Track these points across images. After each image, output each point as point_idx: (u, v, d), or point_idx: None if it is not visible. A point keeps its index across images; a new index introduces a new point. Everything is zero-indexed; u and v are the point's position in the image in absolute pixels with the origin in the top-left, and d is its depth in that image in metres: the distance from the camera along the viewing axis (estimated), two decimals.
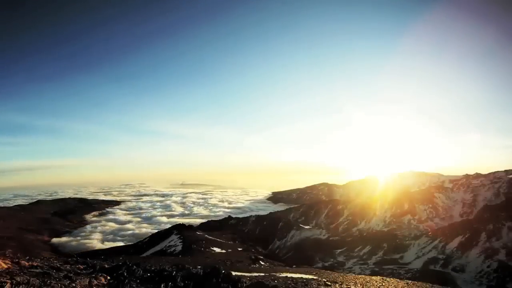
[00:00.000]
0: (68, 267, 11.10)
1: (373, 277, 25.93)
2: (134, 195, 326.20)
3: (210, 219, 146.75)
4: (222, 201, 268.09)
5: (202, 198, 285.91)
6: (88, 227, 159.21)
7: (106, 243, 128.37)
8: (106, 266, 12.47)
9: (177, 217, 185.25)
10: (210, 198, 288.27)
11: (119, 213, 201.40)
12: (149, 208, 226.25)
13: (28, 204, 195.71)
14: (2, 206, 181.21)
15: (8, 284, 6.39)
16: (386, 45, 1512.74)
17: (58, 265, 11.13)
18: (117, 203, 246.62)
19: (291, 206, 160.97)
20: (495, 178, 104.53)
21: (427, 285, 23.30)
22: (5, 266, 8.55)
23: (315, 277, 22.22)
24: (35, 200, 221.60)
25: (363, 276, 29.42)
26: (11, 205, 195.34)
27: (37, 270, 8.89)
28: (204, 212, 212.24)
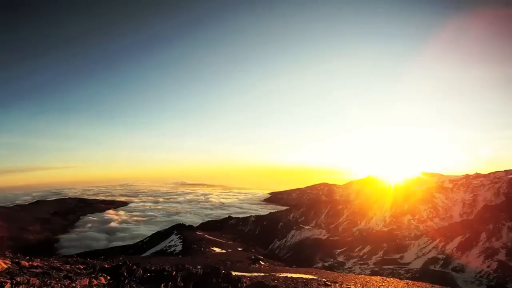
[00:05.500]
0: (68, 267, 11.10)
1: (373, 277, 25.95)
2: (134, 195, 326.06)
3: (210, 219, 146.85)
4: (223, 201, 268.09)
5: (203, 198, 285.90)
6: (88, 227, 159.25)
7: (106, 243, 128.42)
8: (106, 266, 12.47)
9: (177, 217, 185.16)
10: (211, 197, 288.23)
11: (119, 213, 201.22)
12: (149, 208, 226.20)
13: (28, 204, 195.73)
14: (2, 206, 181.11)
15: (8, 284, 6.39)
16: (388, 48, 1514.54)
17: (58, 265, 11.13)
18: (116, 203, 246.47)
19: (291, 206, 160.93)
20: (495, 178, 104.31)
21: (427, 285, 23.32)
22: (5, 266, 8.55)
23: (315, 277, 22.24)
24: (35, 200, 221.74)
25: (363, 276, 29.42)
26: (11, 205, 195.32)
27: (37, 270, 8.89)
28: (204, 211, 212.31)
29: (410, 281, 25.79)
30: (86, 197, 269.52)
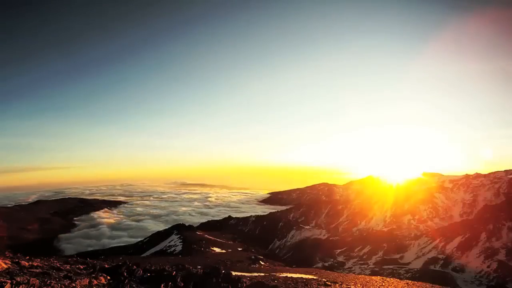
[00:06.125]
0: (68, 267, 11.10)
1: (373, 277, 25.96)
2: (134, 195, 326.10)
3: (210, 219, 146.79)
4: (223, 201, 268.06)
5: (203, 198, 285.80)
6: (88, 227, 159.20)
7: (106, 243, 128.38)
8: (106, 266, 12.48)
9: (177, 217, 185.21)
10: (211, 197, 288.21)
11: (119, 213, 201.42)
12: (149, 208, 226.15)
13: (28, 204, 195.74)
14: (2, 206, 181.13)
15: (8, 284, 6.39)
16: (388, 46, 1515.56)
17: (58, 265, 11.14)
18: (116, 202, 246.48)
19: (291, 206, 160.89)
20: (495, 178, 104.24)
21: (427, 285, 23.33)
22: (5, 266, 8.55)
23: (315, 277, 22.25)
24: (35, 200, 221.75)
25: (363, 276, 29.44)
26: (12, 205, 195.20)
27: (37, 270, 8.89)
28: (204, 211, 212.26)
29: (410, 281, 25.79)
30: (86, 197, 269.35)
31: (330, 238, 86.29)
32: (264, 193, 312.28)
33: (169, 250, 65.67)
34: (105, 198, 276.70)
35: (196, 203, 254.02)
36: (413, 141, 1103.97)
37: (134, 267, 11.20)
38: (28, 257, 13.50)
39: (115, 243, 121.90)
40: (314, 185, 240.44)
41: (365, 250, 73.06)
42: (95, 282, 8.69)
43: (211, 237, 79.70)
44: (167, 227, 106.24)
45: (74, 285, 7.75)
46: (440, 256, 61.16)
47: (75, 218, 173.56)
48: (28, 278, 7.04)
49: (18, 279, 6.75)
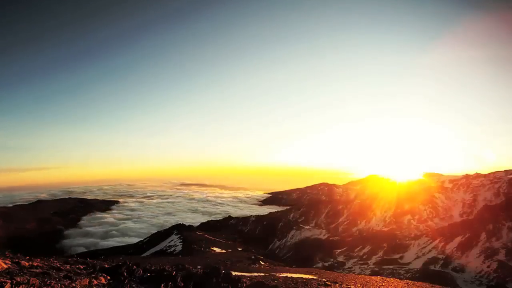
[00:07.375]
0: (68, 267, 11.10)
1: (373, 277, 25.98)
2: (134, 195, 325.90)
3: (210, 219, 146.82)
4: (222, 201, 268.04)
5: (203, 197, 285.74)
6: (88, 227, 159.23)
7: (106, 243, 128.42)
8: (106, 266, 12.48)
9: (177, 217, 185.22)
10: (210, 197, 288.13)
11: (119, 213, 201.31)
12: (149, 208, 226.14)
13: (28, 204, 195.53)
14: (2, 206, 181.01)
15: (8, 284, 6.39)
16: (389, 46, 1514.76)
17: (58, 265, 11.14)
18: (116, 202, 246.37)
19: (291, 206, 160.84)
20: (495, 178, 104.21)
21: (427, 285, 23.35)
22: (5, 266, 8.54)
23: (315, 277, 22.26)
24: (35, 200, 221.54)
25: (363, 276, 29.46)
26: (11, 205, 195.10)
27: (37, 270, 8.88)
28: (204, 211, 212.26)
29: (410, 281, 25.82)
30: (86, 197, 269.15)
31: (330, 238, 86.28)
32: (264, 193, 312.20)
33: (169, 250, 65.65)
34: (105, 198, 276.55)
35: (195, 203, 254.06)
36: (413, 140, 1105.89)
37: (134, 267, 11.20)
38: (28, 257, 13.50)
39: (115, 243, 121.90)
40: (314, 185, 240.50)
41: (365, 250, 73.05)
42: (95, 282, 8.69)
43: (211, 237, 79.69)
44: (167, 227, 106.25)
45: (74, 285, 7.75)
46: (440, 256, 61.15)
47: (75, 218, 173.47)
48: (28, 278, 7.04)
49: (18, 279, 6.75)
